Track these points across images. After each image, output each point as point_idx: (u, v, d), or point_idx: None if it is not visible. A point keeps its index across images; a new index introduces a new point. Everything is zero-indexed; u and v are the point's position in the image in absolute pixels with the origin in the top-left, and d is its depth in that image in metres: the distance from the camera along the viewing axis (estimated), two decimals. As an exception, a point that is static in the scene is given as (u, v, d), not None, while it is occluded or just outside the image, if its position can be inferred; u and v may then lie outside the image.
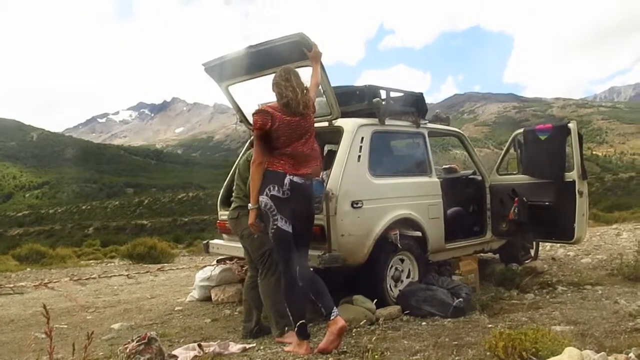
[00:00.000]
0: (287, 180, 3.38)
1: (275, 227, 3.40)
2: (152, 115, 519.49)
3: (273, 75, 3.65)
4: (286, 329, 3.73)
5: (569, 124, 5.29)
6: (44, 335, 4.26)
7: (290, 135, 3.41)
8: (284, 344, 3.62)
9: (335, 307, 3.40)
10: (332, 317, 3.34)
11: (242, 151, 5.44)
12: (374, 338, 3.38)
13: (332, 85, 4.17)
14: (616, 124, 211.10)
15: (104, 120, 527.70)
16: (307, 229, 3.61)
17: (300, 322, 3.40)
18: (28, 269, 10.54)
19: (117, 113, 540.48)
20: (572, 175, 5.19)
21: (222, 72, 4.65)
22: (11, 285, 7.41)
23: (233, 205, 4.10)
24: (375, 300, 4.13)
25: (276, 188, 3.37)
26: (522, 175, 5.59)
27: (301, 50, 3.84)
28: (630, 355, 2.50)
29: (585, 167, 5.28)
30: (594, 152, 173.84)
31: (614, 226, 13.22)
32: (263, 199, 3.39)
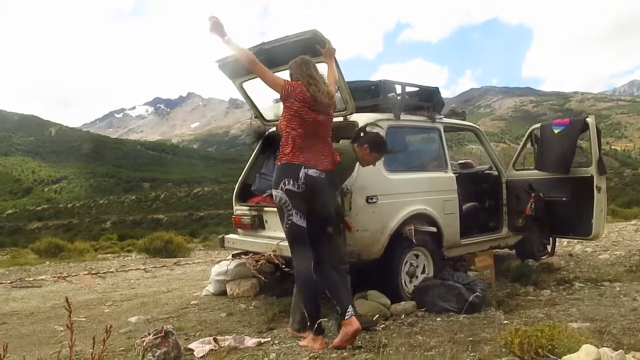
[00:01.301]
0: (302, 174, 3.36)
1: (290, 222, 3.40)
2: (168, 110, 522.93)
3: (286, 72, 3.66)
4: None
5: (587, 119, 5.22)
6: (62, 328, 4.34)
7: (310, 127, 3.41)
8: (299, 338, 3.63)
9: (350, 306, 3.37)
10: (346, 317, 3.32)
11: (257, 146, 5.47)
12: (389, 333, 3.39)
13: (347, 80, 4.16)
14: (636, 118, 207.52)
15: (120, 115, 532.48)
16: (323, 224, 3.58)
17: (315, 317, 3.39)
18: (47, 263, 10.72)
19: (133, 108, 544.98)
20: (590, 170, 5.13)
21: (236, 69, 4.67)
22: (31, 279, 7.53)
23: None
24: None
25: (291, 182, 3.35)
26: (539, 171, 5.53)
27: (315, 46, 3.84)
28: (648, 353, 2.47)
29: (604, 162, 5.21)
30: (612, 147, 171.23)
31: (633, 222, 13.04)
32: (278, 193, 3.39)
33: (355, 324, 3.31)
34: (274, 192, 3.42)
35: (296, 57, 3.66)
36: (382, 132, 4.50)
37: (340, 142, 4.44)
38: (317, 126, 3.46)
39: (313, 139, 3.45)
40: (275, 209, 4.83)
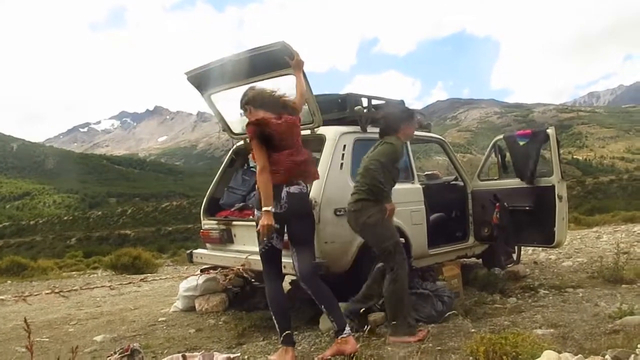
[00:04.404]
0: (284, 194, 3.34)
1: (269, 245, 3.40)
2: (135, 124, 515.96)
3: (255, 83, 3.68)
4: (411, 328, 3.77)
5: (547, 130, 5.38)
6: (24, 350, 4.21)
7: (287, 135, 3.39)
8: (401, 343, 3.60)
9: (348, 326, 3.39)
10: (344, 335, 3.32)
11: (226, 159, 5.45)
12: (359, 345, 3.40)
13: (314, 93, 4.20)
14: (596, 128, 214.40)
15: (85, 129, 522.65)
16: (307, 234, 3.55)
17: (285, 330, 3.39)
18: (9, 282, 10.38)
19: (99, 122, 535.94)
20: (552, 180, 5.27)
21: (205, 81, 4.66)
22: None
23: (355, 197, 3.94)
24: (362, 309, 4.12)
25: (274, 203, 3.30)
26: (503, 181, 5.67)
27: (283, 58, 3.87)
28: (606, 357, 2.54)
29: (563, 170, 5.37)
30: (574, 156, 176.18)
31: (595, 229, 13.43)
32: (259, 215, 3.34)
33: (352, 344, 3.31)
34: (257, 213, 3.39)
35: (265, 68, 3.69)
36: (350, 145, 4.55)
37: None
38: (292, 126, 3.46)
39: (290, 150, 3.42)
40: (244, 223, 4.83)
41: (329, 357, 3.34)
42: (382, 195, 3.89)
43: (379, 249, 3.91)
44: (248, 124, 3.38)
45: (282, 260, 3.57)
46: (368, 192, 3.87)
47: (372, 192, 3.84)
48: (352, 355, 3.28)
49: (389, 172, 3.88)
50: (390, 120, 4.09)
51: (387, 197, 3.96)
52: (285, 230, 3.45)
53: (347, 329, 3.36)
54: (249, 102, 3.52)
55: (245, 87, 4.54)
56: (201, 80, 4.65)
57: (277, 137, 3.34)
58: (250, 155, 5.16)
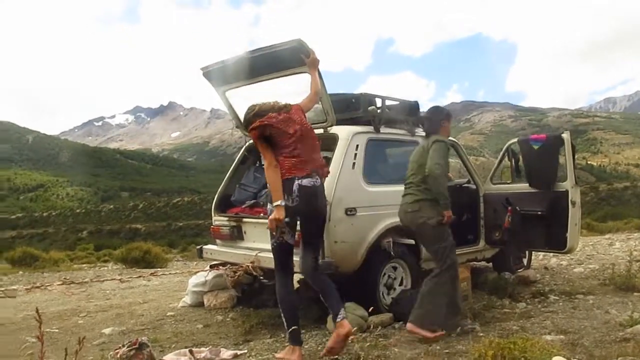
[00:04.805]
0: (295, 187, 3.35)
1: (281, 239, 3.43)
2: (149, 119, 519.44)
3: (270, 81, 3.71)
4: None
5: (562, 135, 5.33)
6: (34, 340, 4.25)
7: (286, 132, 3.42)
8: (417, 334, 3.73)
9: (343, 309, 3.45)
10: (338, 320, 3.38)
11: (238, 156, 5.47)
12: (366, 345, 3.40)
13: (329, 92, 4.20)
14: (611, 134, 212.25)
15: (100, 123, 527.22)
16: (318, 228, 3.60)
17: (293, 328, 3.40)
18: (20, 272, 10.50)
19: (113, 117, 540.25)
20: (566, 185, 5.22)
21: (220, 77, 4.67)
22: (2, 289, 7.37)
23: (414, 198, 4.02)
24: (371, 308, 4.12)
25: (285, 196, 3.34)
26: (515, 185, 5.62)
27: (299, 56, 3.87)
28: (617, 365, 2.52)
29: (577, 175, 5.32)
30: (588, 162, 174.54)
31: (607, 236, 13.28)
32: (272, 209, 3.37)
33: (347, 326, 3.37)
34: (269, 207, 3.40)
35: (280, 66, 3.85)
36: (362, 145, 4.55)
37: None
38: (288, 121, 3.49)
39: (295, 141, 3.46)
40: (255, 220, 4.84)
41: (329, 349, 3.39)
42: (444, 198, 3.93)
43: (434, 249, 4.01)
44: (250, 130, 3.47)
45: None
46: (427, 192, 3.95)
47: (431, 193, 3.92)
48: (348, 337, 3.36)
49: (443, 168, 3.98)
50: (433, 120, 4.25)
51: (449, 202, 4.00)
52: (298, 223, 3.47)
53: (342, 313, 3.42)
54: (256, 116, 3.52)
55: (259, 85, 4.56)
56: (216, 76, 4.67)
57: (278, 134, 3.41)
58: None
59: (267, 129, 3.41)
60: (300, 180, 3.37)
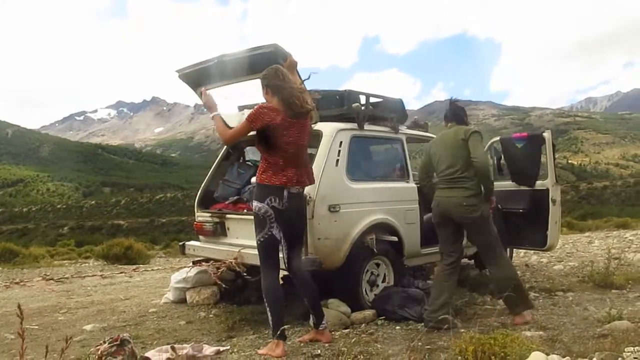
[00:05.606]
0: (285, 194, 3.46)
1: (269, 234, 3.49)
2: (132, 114, 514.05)
3: (248, 81, 3.72)
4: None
5: (543, 133, 5.40)
6: (13, 336, 4.20)
7: (291, 138, 3.45)
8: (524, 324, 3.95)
9: (324, 318, 3.70)
10: (321, 328, 3.66)
11: (222, 152, 5.43)
12: (348, 342, 3.41)
13: (313, 89, 4.20)
14: (592, 134, 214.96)
15: (81, 118, 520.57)
16: (300, 230, 3.74)
17: (278, 323, 3.42)
18: (0, 268, 10.35)
19: (95, 111, 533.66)
20: (546, 183, 5.29)
21: (195, 80, 4.66)
22: (-19, 285, 7.26)
23: (469, 192, 4.01)
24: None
25: (277, 200, 3.45)
26: (497, 183, 5.67)
27: (276, 60, 3.85)
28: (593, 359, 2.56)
29: (557, 174, 5.40)
30: (569, 161, 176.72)
31: (587, 234, 13.50)
32: (263, 206, 3.44)
33: (328, 336, 3.66)
34: (259, 205, 3.46)
35: (256, 70, 3.76)
36: (346, 142, 4.56)
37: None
38: (301, 129, 3.52)
39: (294, 149, 3.50)
40: (238, 216, 4.83)
41: (307, 340, 3.68)
42: (492, 185, 4.09)
43: (485, 241, 4.12)
44: (256, 120, 3.41)
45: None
46: (478, 186, 4.02)
47: (479, 186, 4.01)
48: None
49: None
50: (458, 112, 4.42)
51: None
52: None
53: (324, 322, 3.69)
54: (269, 85, 3.53)
55: (237, 85, 4.59)
56: (192, 78, 4.66)
57: (277, 134, 3.41)
58: (247, 148, 5.15)
59: (269, 127, 3.40)
60: (289, 189, 3.48)
